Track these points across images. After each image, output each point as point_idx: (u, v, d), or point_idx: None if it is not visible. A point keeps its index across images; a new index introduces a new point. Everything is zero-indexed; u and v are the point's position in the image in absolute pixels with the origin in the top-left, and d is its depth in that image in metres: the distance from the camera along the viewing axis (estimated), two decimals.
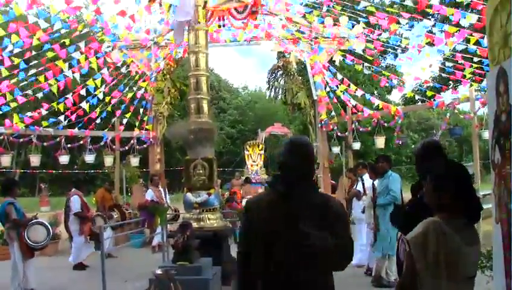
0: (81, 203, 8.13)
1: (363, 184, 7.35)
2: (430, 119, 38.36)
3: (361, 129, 10.93)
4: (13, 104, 9.75)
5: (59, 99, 10.63)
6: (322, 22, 10.02)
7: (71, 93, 10.57)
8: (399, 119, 10.16)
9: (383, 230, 5.93)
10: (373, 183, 6.41)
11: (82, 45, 9.43)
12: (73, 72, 9.83)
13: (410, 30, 10.10)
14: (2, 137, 9.62)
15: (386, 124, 10.35)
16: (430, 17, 9.18)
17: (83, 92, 10.87)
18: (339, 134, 11.12)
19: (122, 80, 11.59)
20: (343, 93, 11.10)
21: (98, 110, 11.07)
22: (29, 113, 10.15)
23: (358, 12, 9.34)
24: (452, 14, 7.92)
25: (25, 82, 9.84)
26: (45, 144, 10.48)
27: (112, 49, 10.56)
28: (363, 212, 6.92)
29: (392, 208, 5.46)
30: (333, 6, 9.48)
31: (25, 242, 5.90)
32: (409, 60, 9.79)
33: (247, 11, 7.37)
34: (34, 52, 10.00)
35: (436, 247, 2.03)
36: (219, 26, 8.97)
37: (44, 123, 10.25)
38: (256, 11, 7.50)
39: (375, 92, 21.84)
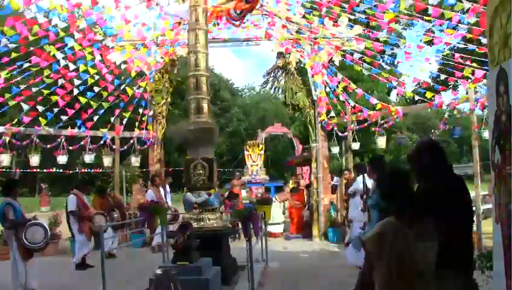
0: (78, 203, 8.08)
1: (365, 184, 7.33)
2: (429, 119, 38.39)
3: (357, 127, 10.89)
4: (11, 102, 9.67)
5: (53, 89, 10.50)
6: (322, 23, 10.01)
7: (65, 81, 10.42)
8: (398, 119, 10.15)
9: (368, 230, 5.91)
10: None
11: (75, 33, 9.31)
12: (69, 61, 9.73)
13: (410, 29, 10.12)
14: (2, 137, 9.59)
15: (386, 125, 10.33)
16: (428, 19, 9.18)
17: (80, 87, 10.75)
18: (339, 134, 11.10)
19: (118, 76, 11.45)
20: (343, 92, 11.07)
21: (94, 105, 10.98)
22: (25, 105, 9.90)
23: (357, 13, 9.32)
24: (451, 18, 7.91)
25: (22, 77, 9.75)
26: (48, 146, 10.45)
27: (108, 48, 10.45)
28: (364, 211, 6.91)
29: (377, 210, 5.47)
30: (332, 8, 9.46)
31: (22, 243, 5.90)
32: (408, 59, 9.76)
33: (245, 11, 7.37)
34: (30, 46, 9.90)
35: (391, 246, 2.13)
36: (214, 25, 8.98)
37: (43, 121, 10.16)
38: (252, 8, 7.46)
39: (375, 91, 21.79)
